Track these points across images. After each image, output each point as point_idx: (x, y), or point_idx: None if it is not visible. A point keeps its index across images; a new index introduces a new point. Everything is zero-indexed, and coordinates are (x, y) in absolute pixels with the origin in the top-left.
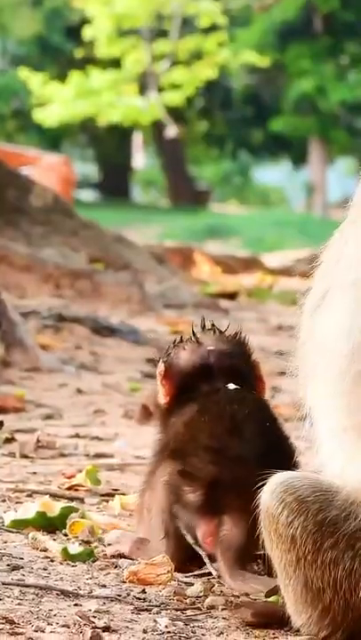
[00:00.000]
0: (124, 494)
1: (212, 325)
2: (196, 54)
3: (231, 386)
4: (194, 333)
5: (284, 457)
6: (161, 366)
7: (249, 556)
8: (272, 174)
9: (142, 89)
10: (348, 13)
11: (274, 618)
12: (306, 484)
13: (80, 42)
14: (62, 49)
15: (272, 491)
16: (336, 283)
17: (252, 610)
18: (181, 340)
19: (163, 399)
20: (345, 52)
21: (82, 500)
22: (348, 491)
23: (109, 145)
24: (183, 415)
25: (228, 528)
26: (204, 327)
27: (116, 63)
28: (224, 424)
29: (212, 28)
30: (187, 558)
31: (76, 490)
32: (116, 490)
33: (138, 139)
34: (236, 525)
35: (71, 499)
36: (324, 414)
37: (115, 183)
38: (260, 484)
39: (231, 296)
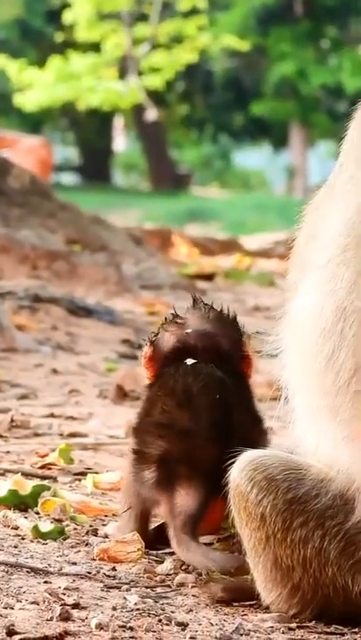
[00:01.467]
0: (96, 473)
1: (200, 303)
2: (176, 38)
3: (189, 361)
4: (175, 314)
5: (241, 429)
6: (146, 349)
7: (201, 526)
8: (253, 158)
9: (122, 73)
10: None
11: (244, 594)
12: (276, 462)
13: (60, 26)
14: (43, 33)
15: (241, 469)
16: (311, 262)
17: (223, 585)
18: (166, 322)
19: (147, 382)
20: (326, 36)
21: (54, 479)
22: (320, 468)
23: (90, 129)
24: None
25: (181, 498)
26: (193, 304)
27: (96, 47)
28: (175, 398)
29: (193, 12)
30: (149, 536)
31: (49, 468)
32: (88, 469)
33: (118, 122)
34: (188, 494)
35: (44, 477)
36: (298, 392)
37: (95, 167)
38: (216, 456)
39: (208, 277)
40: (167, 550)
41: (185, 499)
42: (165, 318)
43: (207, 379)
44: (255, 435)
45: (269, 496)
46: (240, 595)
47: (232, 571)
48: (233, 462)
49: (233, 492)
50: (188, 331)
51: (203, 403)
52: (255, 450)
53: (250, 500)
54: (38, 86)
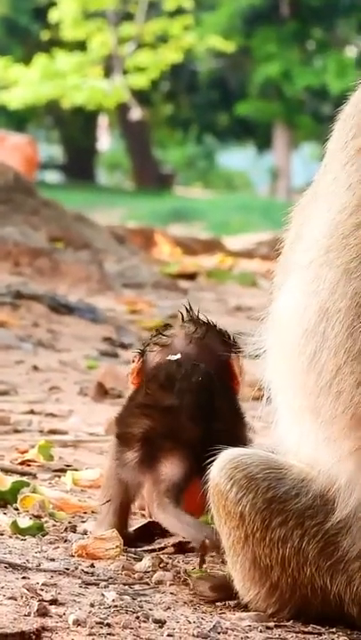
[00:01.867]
0: (76, 470)
1: (190, 318)
2: (161, 38)
3: (173, 357)
4: (164, 328)
5: (223, 416)
6: (134, 365)
7: (183, 496)
8: (237, 159)
9: (108, 72)
10: None
11: (231, 591)
12: (256, 461)
13: (46, 24)
14: (29, 31)
15: (221, 467)
16: (295, 263)
17: (210, 584)
18: (156, 335)
19: (131, 386)
20: (311, 38)
21: (34, 476)
22: (301, 468)
23: (75, 127)
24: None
25: (165, 467)
26: (188, 315)
27: (81, 46)
28: (158, 382)
29: (179, 12)
30: (128, 533)
31: (29, 465)
32: (68, 466)
33: (103, 121)
34: (173, 464)
35: (23, 473)
36: (280, 393)
37: (80, 165)
38: (199, 436)
39: (191, 277)
40: (146, 548)
41: (169, 467)
42: (156, 332)
43: (191, 367)
44: (238, 428)
45: (249, 495)
46: (228, 593)
47: (205, 543)
48: (213, 460)
49: (212, 491)
50: (174, 357)
51: (186, 385)
52: (235, 448)
53: (229, 499)
54: (24, 84)
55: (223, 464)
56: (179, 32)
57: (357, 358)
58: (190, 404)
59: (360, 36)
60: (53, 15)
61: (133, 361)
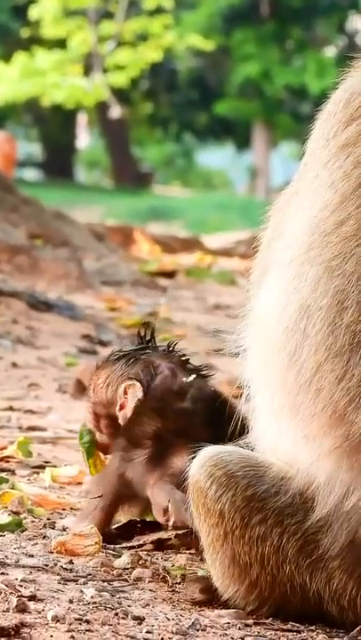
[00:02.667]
0: (55, 467)
1: (187, 359)
2: (141, 36)
3: (186, 379)
4: (176, 360)
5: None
6: (138, 391)
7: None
8: (216, 157)
9: (87, 70)
10: None
11: (219, 594)
12: (236, 458)
13: (26, 22)
14: (9, 28)
15: (201, 464)
16: (275, 260)
17: (200, 586)
18: (152, 362)
19: (123, 419)
20: (290, 37)
21: (12, 472)
22: (280, 466)
23: (54, 125)
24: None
25: (176, 460)
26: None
27: (61, 43)
28: (172, 392)
29: (158, 11)
30: (110, 531)
31: (7, 461)
32: (47, 462)
33: (82, 119)
34: (179, 457)
35: (2, 470)
36: (260, 390)
37: (58, 163)
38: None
39: (170, 275)
40: (125, 545)
41: (180, 460)
42: (155, 363)
43: (202, 384)
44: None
45: (228, 492)
46: (217, 596)
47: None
48: (193, 458)
49: (192, 488)
50: (195, 395)
51: (198, 394)
52: (215, 446)
53: (209, 496)
54: (3, 81)
55: (203, 461)
56: (159, 31)
57: (338, 355)
58: (204, 410)
59: (340, 36)
60: (33, 13)
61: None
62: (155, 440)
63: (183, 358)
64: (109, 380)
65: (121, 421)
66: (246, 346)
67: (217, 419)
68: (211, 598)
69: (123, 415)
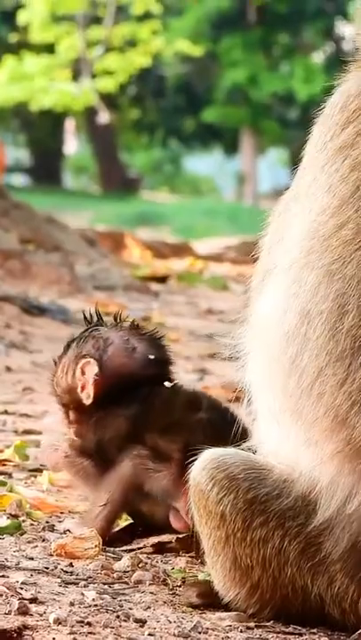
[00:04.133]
0: None
1: (136, 324)
2: (129, 42)
3: (168, 384)
4: (126, 329)
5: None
6: (93, 365)
7: None
8: (203, 163)
9: (76, 75)
10: (280, 5)
11: (218, 598)
12: (237, 461)
13: (15, 27)
14: None
15: (203, 467)
16: (275, 265)
17: (198, 591)
18: (101, 336)
19: (88, 399)
20: (277, 44)
21: (10, 475)
22: (282, 469)
23: (42, 130)
24: (128, 409)
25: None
26: (133, 326)
27: (50, 48)
28: (179, 403)
29: (147, 16)
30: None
31: (4, 465)
32: (44, 465)
33: (70, 125)
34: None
35: None
36: (261, 395)
37: (46, 168)
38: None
39: (161, 279)
40: (124, 548)
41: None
42: (99, 331)
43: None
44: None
45: (230, 495)
46: (215, 599)
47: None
48: (194, 460)
49: (193, 490)
50: (151, 357)
51: (212, 402)
52: (217, 448)
53: (210, 499)
54: None
55: (205, 464)
56: (147, 36)
57: (339, 360)
58: (230, 421)
59: (327, 42)
60: (22, 18)
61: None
62: (182, 458)
63: (133, 324)
64: (66, 367)
65: (85, 401)
66: (246, 351)
67: (229, 425)
68: (209, 602)
69: (86, 395)
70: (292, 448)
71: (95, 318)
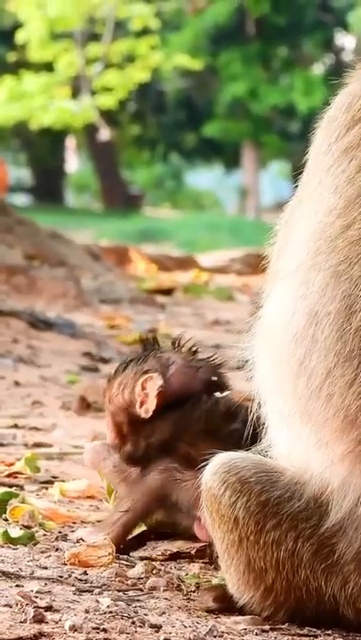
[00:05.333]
0: (63, 481)
1: (196, 349)
2: (128, 57)
3: (219, 394)
4: (186, 352)
5: None
6: (157, 380)
7: None
8: (205, 178)
9: (75, 92)
10: (279, 17)
11: (233, 602)
12: (249, 464)
13: (13, 45)
14: None
15: (214, 471)
16: (282, 269)
17: (214, 595)
18: (163, 355)
19: (147, 413)
20: (277, 56)
21: (21, 487)
22: (294, 471)
23: (42, 149)
24: (174, 414)
25: None
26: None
27: (48, 66)
28: (218, 412)
29: (145, 32)
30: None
31: (16, 477)
32: (55, 477)
33: (71, 143)
34: None
35: (10, 486)
36: (271, 398)
37: (48, 187)
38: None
39: (167, 292)
40: (138, 555)
41: None
42: (169, 356)
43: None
44: None
45: (242, 498)
46: (231, 603)
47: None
48: (206, 465)
49: (205, 495)
50: (214, 379)
51: (245, 413)
52: (228, 452)
53: (223, 503)
54: None
55: (216, 468)
56: (145, 52)
57: (348, 360)
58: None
59: (326, 54)
60: (20, 36)
61: (152, 377)
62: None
63: (192, 349)
64: (124, 384)
65: (144, 415)
66: (255, 354)
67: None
68: (225, 607)
69: (145, 410)
70: (303, 450)
71: (152, 342)
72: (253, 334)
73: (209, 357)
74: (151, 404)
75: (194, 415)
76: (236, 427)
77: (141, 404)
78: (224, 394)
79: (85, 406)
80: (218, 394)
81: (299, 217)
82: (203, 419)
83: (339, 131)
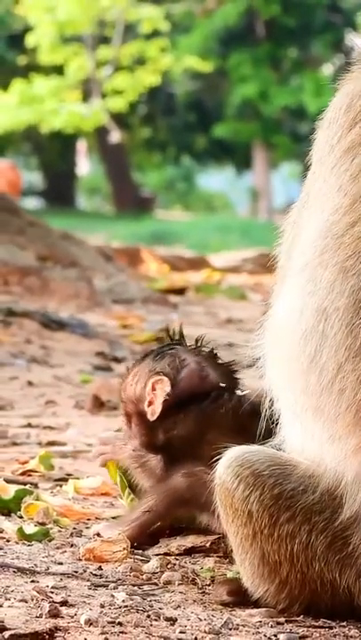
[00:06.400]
0: (77, 479)
1: (215, 353)
2: (138, 60)
3: (240, 392)
4: (204, 354)
5: None
6: (166, 384)
7: None
8: (216, 180)
9: (86, 95)
10: (289, 19)
11: (248, 595)
12: (262, 457)
13: (23, 49)
14: (5, 58)
15: (228, 465)
16: (290, 268)
17: (228, 589)
18: (178, 356)
19: (153, 415)
20: (286, 58)
21: (35, 485)
22: (307, 465)
23: (53, 152)
24: (196, 410)
25: None
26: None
27: (59, 70)
28: (244, 410)
29: (154, 34)
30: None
31: (30, 475)
32: (69, 475)
33: (81, 146)
34: None
35: (24, 484)
36: (283, 394)
37: (59, 191)
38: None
39: (179, 291)
40: (152, 550)
41: None
42: (175, 351)
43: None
44: None
45: (256, 492)
46: (245, 597)
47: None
48: (218, 459)
49: (219, 489)
50: (222, 384)
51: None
52: (241, 446)
53: (236, 497)
54: (1, 109)
55: (229, 462)
56: (155, 54)
57: (359, 355)
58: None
59: (336, 55)
60: (30, 40)
61: (160, 379)
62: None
63: (212, 352)
64: (138, 377)
65: (149, 417)
66: (265, 352)
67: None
68: (240, 600)
69: (151, 411)
70: (317, 445)
71: (177, 337)
72: (264, 332)
73: (225, 362)
74: (157, 408)
75: (218, 412)
76: (258, 426)
77: (149, 403)
78: (246, 391)
79: (99, 405)
80: (240, 391)
81: (306, 217)
82: (229, 416)
83: (341, 131)
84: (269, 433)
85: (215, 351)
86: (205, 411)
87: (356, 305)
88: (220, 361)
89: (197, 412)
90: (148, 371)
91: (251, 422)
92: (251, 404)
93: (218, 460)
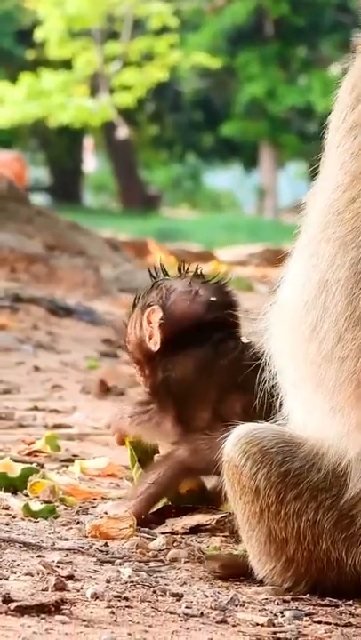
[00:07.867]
0: (83, 459)
1: (200, 272)
2: (147, 56)
3: (245, 339)
4: (190, 277)
5: None
6: (158, 312)
7: None
8: (223, 179)
9: (94, 90)
10: (298, 18)
11: (240, 570)
12: (270, 434)
13: (31, 43)
14: (13, 52)
15: (235, 442)
16: (296, 244)
17: (220, 562)
18: (165, 285)
19: (155, 345)
20: (295, 57)
21: (42, 466)
22: (312, 442)
23: (60, 148)
24: (198, 350)
25: None
26: (196, 273)
27: (67, 64)
28: (244, 361)
29: (163, 30)
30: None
31: (36, 455)
32: (75, 456)
33: (88, 143)
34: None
35: (31, 463)
36: (284, 364)
37: (66, 187)
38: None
39: None
40: (159, 529)
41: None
42: (163, 278)
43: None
44: None
45: (263, 469)
46: (238, 571)
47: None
48: (226, 436)
49: (227, 466)
50: (213, 299)
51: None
52: (249, 423)
53: (244, 474)
54: (9, 103)
55: (237, 439)
56: (164, 50)
57: (359, 324)
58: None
59: (344, 54)
60: (39, 34)
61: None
62: (243, 417)
63: (197, 272)
64: (134, 321)
65: (153, 348)
66: (269, 324)
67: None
68: (231, 573)
69: (153, 342)
70: (318, 419)
71: (160, 273)
72: (269, 308)
73: (212, 279)
74: (157, 336)
75: (219, 363)
76: (264, 377)
77: (150, 337)
78: (249, 340)
79: (105, 390)
80: (244, 339)
81: (313, 197)
82: (230, 369)
83: (345, 111)
84: (270, 408)
85: (200, 270)
86: (206, 359)
87: (356, 276)
88: (207, 279)
89: (199, 355)
90: (140, 309)
91: (253, 375)
92: (253, 355)
93: (225, 437)
